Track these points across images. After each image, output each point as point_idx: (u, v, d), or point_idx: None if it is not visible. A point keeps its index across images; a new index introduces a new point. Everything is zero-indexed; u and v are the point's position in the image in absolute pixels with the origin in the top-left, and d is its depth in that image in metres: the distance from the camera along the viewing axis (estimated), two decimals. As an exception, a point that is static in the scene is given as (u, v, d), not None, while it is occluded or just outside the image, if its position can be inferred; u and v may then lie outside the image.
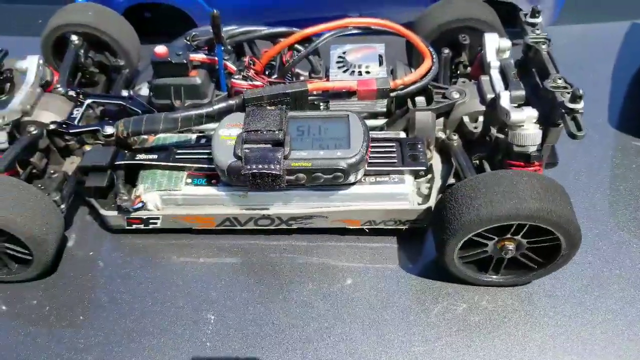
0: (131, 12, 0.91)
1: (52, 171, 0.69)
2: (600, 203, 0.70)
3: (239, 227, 0.66)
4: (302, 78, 0.71)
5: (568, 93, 0.55)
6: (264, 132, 0.58)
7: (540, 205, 0.51)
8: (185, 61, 0.66)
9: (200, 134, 0.68)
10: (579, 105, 0.53)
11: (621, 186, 0.73)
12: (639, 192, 0.73)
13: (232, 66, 0.68)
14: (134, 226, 0.67)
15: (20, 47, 0.81)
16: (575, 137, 0.53)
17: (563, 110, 0.54)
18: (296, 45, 0.69)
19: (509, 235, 0.54)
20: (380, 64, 0.66)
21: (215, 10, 0.62)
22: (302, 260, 0.66)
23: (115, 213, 0.66)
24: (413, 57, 0.77)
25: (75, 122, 0.69)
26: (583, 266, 0.62)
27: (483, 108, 0.64)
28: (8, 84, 0.74)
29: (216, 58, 0.67)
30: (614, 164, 0.76)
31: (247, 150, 0.57)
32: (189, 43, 0.69)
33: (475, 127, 0.63)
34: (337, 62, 0.68)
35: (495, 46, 0.66)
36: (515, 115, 0.57)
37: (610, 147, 0.78)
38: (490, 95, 0.62)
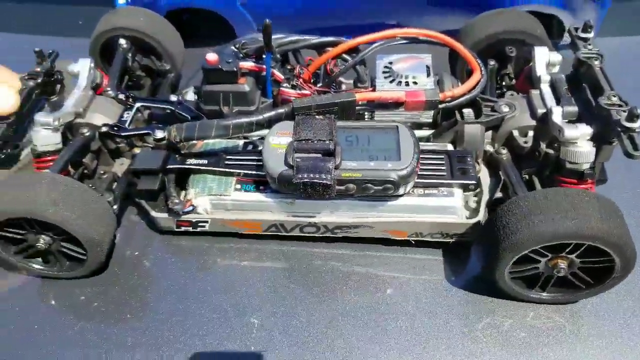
0: (170, 15, 0.92)
1: (101, 172, 0.71)
2: None
3: (284, 233, 0.66)
4: (343, 87, 0.71)
5: (624, 111, 0.55)
6: (315, 142, 0.58)
7: (603, 226, 0.51)
8: (235, 69, 0.67)
9: (247, 140, 0.68)
10: (636, 124, 0.53)
11: None
12: None
13: (279, 74, 0.69)
14: (183, 228, 0.69)
15: (59, 47, 0.81)
16: (632, 156, 0.53)
17: (619, 129, 0.54)
18: (344, 56, 0.69)
19: (563, 254, 0.53)
20: (428, 74, 0.66)
21: (267, 20, 0.62)
22: (346, 269, 0.67)
23: (165, 215, 0.68)
24: (457, 67, 0.77)
25: (126, 125, 0.69)
26: (630, 286, 0.60)
27: (533, 122, 0.63)
28: (59, 85, 0.76)
29: (264, 66, 0.68)
30: None
31: (298, 160, 0.57)
32: (237, 51, 0.69)
33: (526, 142, 0.63)
34: (384, 72, 0.68)
35: (546, 60, 0.66)
36: (569, 132, 0.56)
37: None
38: (541, 110, 0.62)
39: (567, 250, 0.54)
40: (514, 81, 0.74)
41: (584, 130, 0.56)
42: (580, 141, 0.57)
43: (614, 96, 0.57)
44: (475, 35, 0.75)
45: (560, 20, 0.87)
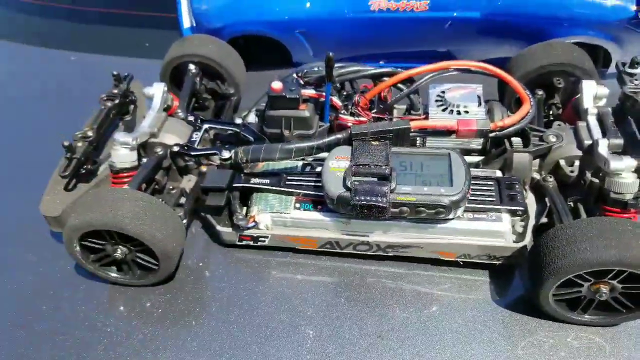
0: (232, 41, 0.98)
1: (170, 187, 0.76)
2: None
3: (338, 250, 0.70)
4: (395, 112, 0.75)
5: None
6: (372, 167, 0.63)
7: None
8: (297, 96, 0.72)
9: (306, 162, 0.73)
10: None
11: None
12: None
13: (337, 101, 0.74)
14: (244, 242, 0.73)
15: (127, 66, 0.89)
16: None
17: (663, 163, 0.57)
18: (399, 85, 0.73)
19: (605, 279, 0.56)
20: (479, 104, 0.69)
21: (330, 53, 0.67)
22: (395, 285, 0.70)
23: (229, 229, 0.72)
24: (505, 96, 0.80)
25: (195, 145, 0.75)
26: None
27: (579, 153, 0.66)
28: (132, 106, 0.83)
29: (323, 93, 0.73)
30: None
31: (356, 183, 0.62)
32: (299, 79, 0.74)
33: (572, 171, 0.66)
34: (437, 101, 0.71)
35: (593, 93, 0.69)
36: (615, 164, 0.59)
37: None
38: (587, 142, 0.65)
39: (609, 276, 0.56)
40: (560, 111, 0.77)
41: (629, 163, 0.59)
42: (625, 173, 0.59)
43: None
44: (525, 67, 0.79)
45: (606, 50, 0.90)
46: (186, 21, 1.03)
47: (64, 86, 1.04)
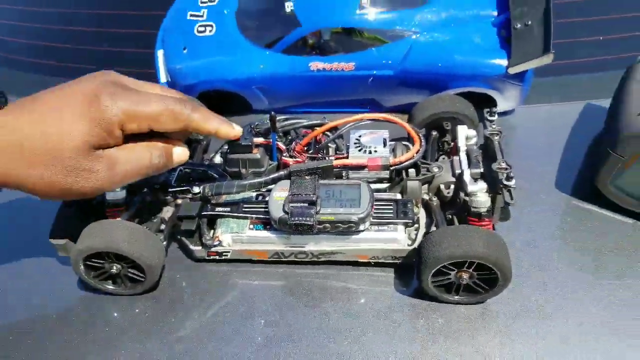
0: (201, 95, 1.12)
1: (153, 217, 0.91)
2: (541, 247, 0.90)
3: (284, 259, 0.88)
4: (331, 151, 0.93)
5: (506, 173, 0.80)
6: (303, 195, 0.81)
7: (484, 250, 0.74)
8: (250, 143, 0.89)
9: (258, 193, 0.90)
10: (512, 183, 0.78)
11: (558, 234, 0.92)
12: (570, 238, 0.91)
13: (282, 145, 0.92)
14: (211, 257, 0.89)
15: None
16: (509, 204, 0.78)
17: (501, 185, 0.79)
18: (326, 133, 0.92)
19: (464, 269, 0.77)
20: (384, 145, 0.89)
21: (272, 113, 0.86)
22: (328, 284, 0.87)
23: (200, 248, 0.88)
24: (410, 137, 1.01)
25: (172, 183, 0.91)
26: (518, 294, 0.83)
27: (453, 179, 0.86)
28: None
29: (271, 140, 0.91)
30: (558, 219, 0.94)
31: (292, 207, 0.80)
32: (251, 130, 0.92)
33: (448, 193, 0.86)
34: (355, 144, 0.90)
35: (465, 135, 0.89)
36: (471, 187, 0.80)
37: (556, 207, 0.96)
38: (458, 171, 0.85)
39: (465, 266, 0.77)
40: (452, 144, 0.95)
41: (481, 186, 0.80)
42: (479, 193, 0.80)
43: (503, 162, 0.81)
44: (422, 114, 0.97)
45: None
46: (163, 77, 1.16)
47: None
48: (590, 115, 1.08)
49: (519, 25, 1.03)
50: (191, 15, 1.19)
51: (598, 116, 1.02)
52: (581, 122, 1.09)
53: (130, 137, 0.74)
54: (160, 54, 1.19)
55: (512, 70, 1.00)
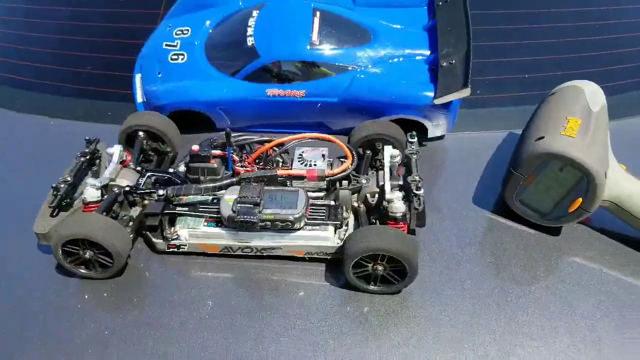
0: (171, 114, 1.23)
1: (123, 214, 1.04)
2: (454, 250, 1.04)
3: (232, 253, 0.99)
4: (279, 164, 1.06)
5: (416, 184, 0.97)
6: (249, 198, 0.95)
7: (393, 245, 0.87)
8: (208, 154, 1.03)
9: (213, 196, 1.03)
10: (420, 192, 0.94)
11: (469, 240, 1.05)
12: (479, 244, 1.04)
13: (236, 157, 1.06)
14: (171, 250, 1.00)
15: (94, 129, 1.15)
16: (416, 209, 0.95)
17: (412, 194, 0.96)
18: (274, 148, 1.07)
19: (378, 261, 0.89)
20: (323, 160, 1.04)
21: (228, 129, 1.01)
22: (271, 277, 0.98)
23: (161, 241, 0.99)
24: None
25: (141, 186, 1.04)
26: (428, 285, 0.98)
27: (378, 190, 1.01)
28: (98, 160, 1.13)
29: (226, 153, 1.06)
30: (472, 228, 1.07)
31: (239, 207, 0.95)
32: (210, 143, 1.06)
33: (373, 201, 1.00)
34: (298, 158, 1.04)
35: (390, 154, 1.04)
36: (389, 195, 0.95)
37: (472, 219, 1.09)
38: (382, 183, 0.99)
39: (379, 259, 0.89)
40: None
41: (397, 195, 0.95)
42: (395, 201, 0.95)
43: (416, 176, 0.97)
44: (359, 135, 1.10)
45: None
46: (139, 97, 1.29)
47: (44, 147, 1.29)
48: (511, 142, 1.20)
49: (445, 64, 1.20)
50: (166, 45, 1.35)
51: (515, 143, 1.18)
52: (502, 148, 1.23)
53: None
54: (137, 77, 1.34)
55: (437, 101, 1.17)
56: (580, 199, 0.99)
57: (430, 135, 1.26)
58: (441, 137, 1.30)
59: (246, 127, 1.32)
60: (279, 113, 1.27)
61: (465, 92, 1.14)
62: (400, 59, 1.27)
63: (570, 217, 1.03)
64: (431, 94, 1.19)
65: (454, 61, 1.20)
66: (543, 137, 1.00)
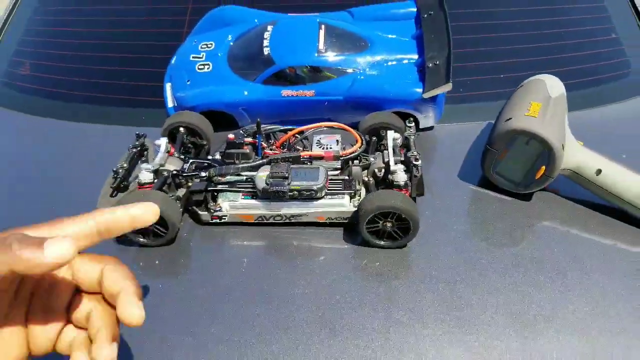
0: (202, 113, 1.39)
1: (171, 195, 1.18)
2: (444, 215, 1.19)
3: (265, 222, 1.11)
4: (299, 149, 1.26)
5: (414, 157, 1.21)
6: (279, 173, 1.15)
7: (401, 205, 1.01)
8: (242, 141, 1.22)
9: (247, 175, 1.21)
10: (418, 162, 1.17)
11: (456, 209, 1.21)
12: (465, 211, 1.21)
13: (264, 144, 1.26)
14: (214, 221, 1.12)
15: (132, 130, 1.25)
16: (416, 176, 1.18)
17: (412, 164, 1.19)
18: (296, 135, 1.28)
19: (388, 219, 1.04)
20: (337, 144, 1.24)
21: (259, 119, 1.23)
22: (298, 242, 1.10)
23: (206, 213, 1.11)
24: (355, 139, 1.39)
25: (186, 171, 1.16)
26: (425, 243, 1.16)
27: (383, 165, 1.22)
28: (146, 152, 1.32)
29: (257, 140, 1.28)
30: (458, 199, 1.23)
31: (271, 180, 1.16)
32: (243, 132, 1.27)
33: (380, 174, 1.19)
34: (316, 143, 1.25)
35: (392, 137, 1.25)
36: (393, 167, 1.16)
37: (459, 191, 1.26)
38: (387, 159, 1.20)
39: (389, 217, 1.05)
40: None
41: (400, 167, 1.16)
42: (398, 171, 1.16)
43: (415, 151, 1.20)
44: (366, 124, 1.27)
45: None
46: (170, 102, 1.46)
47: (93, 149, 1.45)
48: (489, 130, 1.29)
49: (430, 65, 1.44)
50: (193, 57, 1.56)
51: None
52: (482, 135, 1.38)
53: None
54: (168, 86, 1.54)
55: (426, 95, 1.38)
56: (544, 167, 1.22)
57: (421, 126, 1.47)
58: (431, 128, 1.51)
59: (265, 123, 1.53)
60: (293, 111, 1.41)
61: (448, 87, 1.37)
62: (394, 63, 1.49)
63: (538, 183, 1.25)
64: (420, 90, 1.41)
65: (437, 62, 1.43)
66: (511, 119, 1.23)
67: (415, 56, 1.51)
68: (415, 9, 1.61)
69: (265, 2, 1.76)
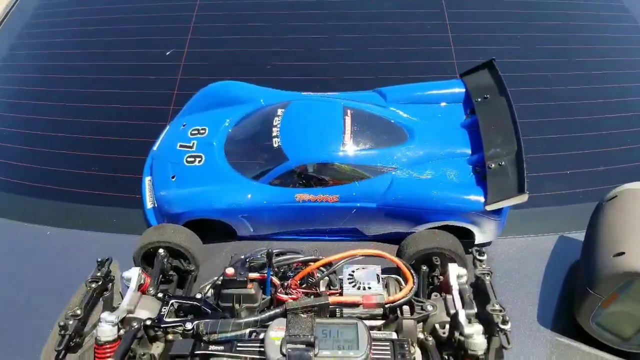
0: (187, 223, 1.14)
1: (142, 353, 0.90)
2: None
3: None
4: (322, 285, 0.95)
5: (501, 316, 0.84)
6: (301, 336, 0.81)
7: None
8: (245, 279, 0.91)
9: (252, 330, 0.89)
10: (507, 326, 0.81)
11: None
12: None
13: (276, 280, 0.93)
14: None
15: (97, 239, 1.09)
16: (505, 348, 0.81)
17: (497, 329, 0.82)
18: (321, 268, 0.94)
19: None
20: (378, 281, 0.91)
21: (269, 249, 0.90)
22: None
23: None
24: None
25: (164, 318, 0.91)
26: None
27: (448, 319, 0.89)
28: (110, 284, 0.99)
29: (265, 275, 0.93)
30: (544, 356, 0.99)
31: (289, 350, 0.80)
32: (246, 264, 0.94)
33: (444, 332, 0.88)
34: (348, 279, 0.92)
35: (456, 273, 0.93)
36: (467, 330, 0.82)
37: (540, 343, 1.01)
38: (452, 311, 0.88)
39: None
40: (441, 277, 1.00)
41: (477, 328, 0.82)
42: (475, 335, 0.82)
43: (497, 304, 0.85)
44: (412, 249, 1.01)
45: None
46: (149, 203, 1.20)
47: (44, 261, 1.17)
48: (563, 247, 1.15)
49: (493, 165, 1.12)
50: (181, 146, 1.25)
51: (570, 248, 1.11)
52: (555, 254, 1.15)
53: None
54: (147, 180, 1.24)
55: (490, 208, 1.08)
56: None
57: (477, 241, 1.16)
58: (487, 244, 1.19)
59: (270, 235, 1.21)
60: (309, 219, 1.18)
61: (523, 198, 1.06)
62: (441, 160, 1.18)
63: (656, 341, 0.92)
64: (481, 199, 1.10)
65: (503, 162, 1.11)
66: (624, 253, 0.91)
67: (468, 151, 1.20)
68: (463, 89, 1.29)
69: (271, 75, 1.48)
